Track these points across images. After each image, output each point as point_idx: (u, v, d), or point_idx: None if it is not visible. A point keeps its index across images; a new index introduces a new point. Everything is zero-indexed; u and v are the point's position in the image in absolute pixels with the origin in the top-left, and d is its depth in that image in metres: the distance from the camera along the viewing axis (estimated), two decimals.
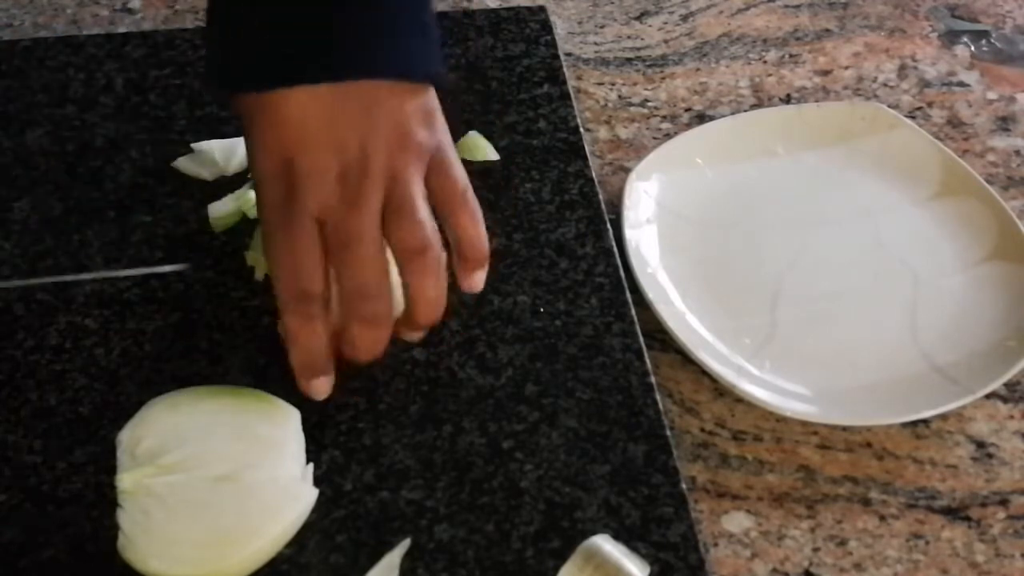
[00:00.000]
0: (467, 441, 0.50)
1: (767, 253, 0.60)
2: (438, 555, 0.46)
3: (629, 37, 0.74)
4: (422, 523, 0.47)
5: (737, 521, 0.49)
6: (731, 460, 0.51)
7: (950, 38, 0.75)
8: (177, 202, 0.60)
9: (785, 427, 0.53)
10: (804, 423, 0.53)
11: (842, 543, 0.49)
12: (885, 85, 0.71)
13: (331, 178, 0.44)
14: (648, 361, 0.53)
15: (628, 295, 0.56)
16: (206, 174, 0.61)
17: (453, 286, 0.49)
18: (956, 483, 0.51)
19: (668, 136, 0.67)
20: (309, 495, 0.47)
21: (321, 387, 0.48)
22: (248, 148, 0.47)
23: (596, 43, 0.74)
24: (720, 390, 0.54)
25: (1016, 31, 0.76)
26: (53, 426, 0.50)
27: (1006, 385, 0.54)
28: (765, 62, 0.73)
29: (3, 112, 0.65)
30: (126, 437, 0.46)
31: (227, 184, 0.60)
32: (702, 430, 0.53)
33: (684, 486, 0.49)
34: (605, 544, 0.46)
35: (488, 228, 0.49)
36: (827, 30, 0.75)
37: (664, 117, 0.68)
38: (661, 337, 0.56)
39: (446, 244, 0.48)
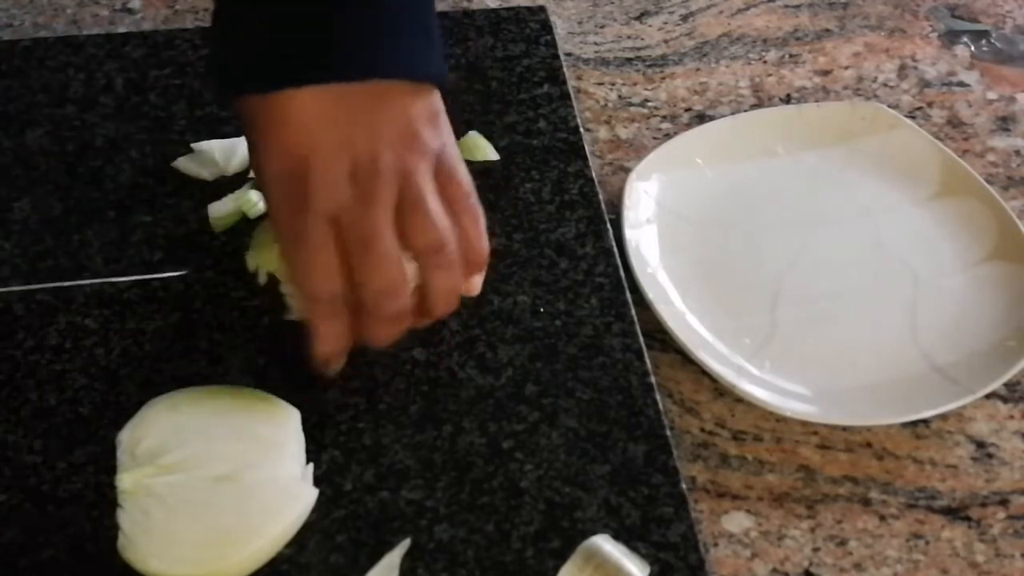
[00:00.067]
0: (467, 441, 0.50)
1: (767, 253, 0.60)
2: (438, 555, 0.46)
3: (629, 37, 0.74)
4: (422, 523, 0.47)
5: (737, 521, 0.49)
6: (731, 460, 0.51)
7: (950, 38, 0.75)
8: (177, 202, 0.60)
9: (785, 427, 0.53)
10: (804, 423, 0.53)
11: (842, 543, 0.49)
12: (885, 85, 0.71)
13: (343, 178, 0.44)
14: (648, 361, 0.53)
15: (628, 295, 0.56)
16: (206, 174, 0.61)
17: None
18: (956, 483, 0.51)
19: (668, 136, 0.67)
20: (309, 495, 0.47)
21: (336, 368, 0.50)
22: (254, 151, 0.47)
23: (596, 43, 0.74)
24: (720, 390, 0.54)
25: (1016, 31, 0.76)
26: (53, 426, 0.50)
27: (1006, 385, 0.54)
28: (765, 62, 0.73)
29: (3, 112, 0.65)
30: (126, 437, 0.46)
31: (227, 184, 0.60)
32: (702, 430, 0.53)
33: (684, 486, 0.49)
34: (605, 544, 0.46)
35: (488, 228, 0.49)
36: (827, 30, 0.75)
37: (664, 117, 0.68)
38: (661, 337, 0.56)
39: None
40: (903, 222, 0.62)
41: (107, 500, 0.46)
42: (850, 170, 0.64)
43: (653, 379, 0.53)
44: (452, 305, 0.49)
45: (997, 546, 0.49)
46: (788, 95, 0.70)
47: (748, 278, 0.59)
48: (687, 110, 0.69)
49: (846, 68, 0.72)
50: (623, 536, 0.47)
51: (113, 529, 0.44)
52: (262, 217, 0.58)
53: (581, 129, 0.65)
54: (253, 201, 0.58)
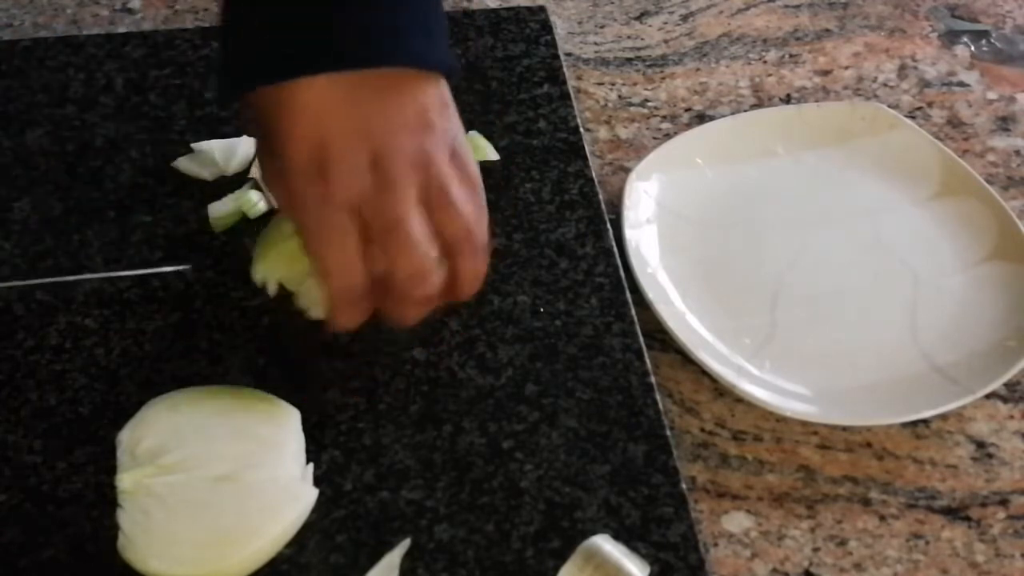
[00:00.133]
0: (467, 441, 0.50)
1: (767, 253, 0.60)
2: (438, 555, 0.46)
3: (629, 37, 0.74)
4: (422, 523, 0.47)
5: (737, 521, 0.49)
6: (731, 460, 0.51)
7: (950, 38, 0.75)
8: (177, 202, 0.60)
9: (785, 427, 0.53)
10: (804, 423, 0.53)
11: (842, 543, 0.49)
12: (885, 85, 0.71)
13: (363, 166, 0.44)
14: (648, 361, 0.53)
15: (628, 295, 0.56)
16: (206, 174, 0.61)
17: None
18: (956, 483, 0.51)
19: (668, 136, 0.67)
20: (309, 495, 0.47)
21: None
22: (269, 148, 0.47)
23: (596, 43, 0.74)
24: (720, 390, 0.54)
25: (1016, 31, 0.76)
26: (53, 426, 0.50)
27: (1006, 385, 0.54)
28: (765, 62, 0.73)
29: (3, 112, 0.65)
30: (126, 437, 0.46)
31: (227, 184, 0.60)
32: (702, 430, 0.53)
33: (684, 486, 0.49)
34: (605, 544, 0.46)
35: (488, 228, 0.49)
36: (827, 30, 0.75)
37: (664, 117, 0.68)
38: (661, 337, 0.56)
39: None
40: (903, 222, 0.62)
41: (107, 500, 0.46)
42: (850, 170, 0.64)
43: (653, 379, 0.53)
44: (478, 288, 0.49)
45: (997, 546, 0.49)
46: (788, 95, 0.70)
47: (748, 278, 0.59)
48: (687, 110, 0.69)
49: (846, 68, 0.72)
50: (623, 536, 0.47)
51: (113, 529, 0.44)
52: (262, 224, 0.57)
53: (581, 129, 0.65)
54: (253, 201, 0.58)
